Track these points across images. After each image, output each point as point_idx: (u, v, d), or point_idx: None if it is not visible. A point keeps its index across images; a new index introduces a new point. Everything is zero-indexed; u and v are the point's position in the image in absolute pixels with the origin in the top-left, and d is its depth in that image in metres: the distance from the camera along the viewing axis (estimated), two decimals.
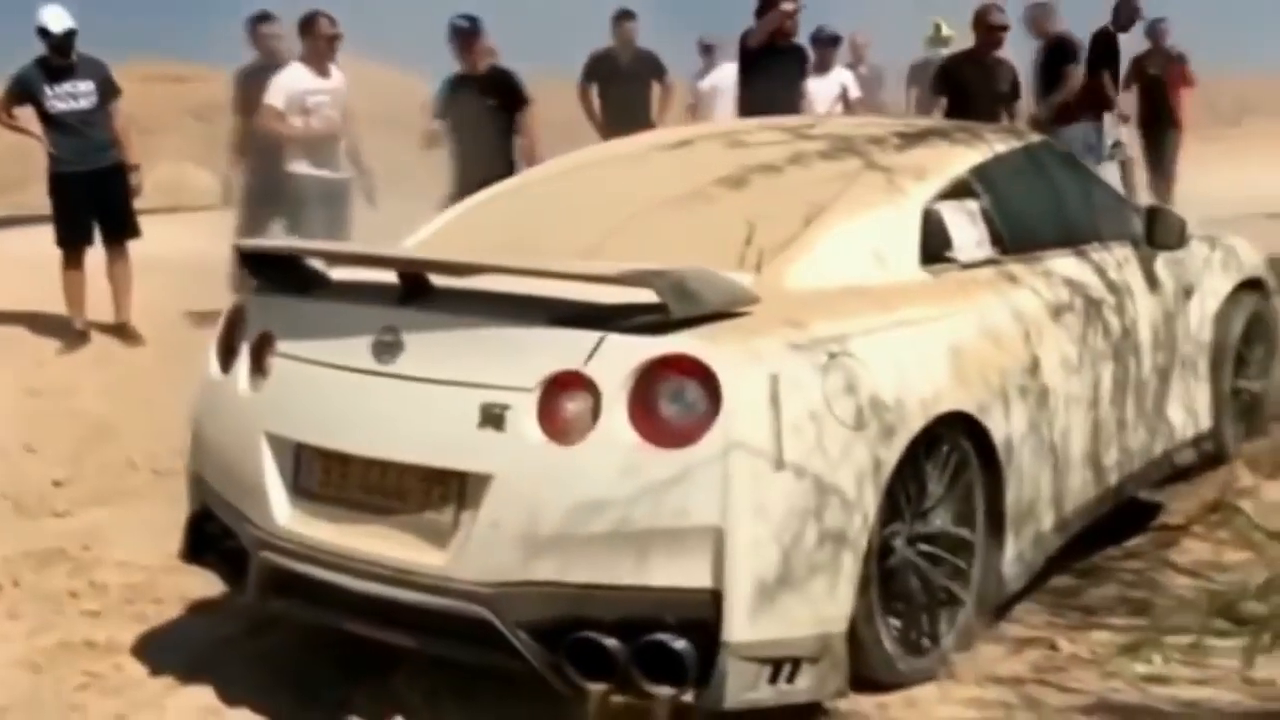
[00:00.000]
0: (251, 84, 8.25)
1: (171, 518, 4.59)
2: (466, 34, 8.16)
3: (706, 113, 10.12)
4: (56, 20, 7.70)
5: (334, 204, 7.99)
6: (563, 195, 4.39)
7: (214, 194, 8.31)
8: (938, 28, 10.57)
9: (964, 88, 8.52)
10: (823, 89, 9.76)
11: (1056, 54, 9.54)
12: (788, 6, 8.24)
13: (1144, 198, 9.74)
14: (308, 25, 8.02)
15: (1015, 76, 8.99)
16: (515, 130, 8.19)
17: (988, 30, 8.61)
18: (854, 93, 9.85)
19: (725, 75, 10.24)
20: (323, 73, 7.99)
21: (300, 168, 7.93)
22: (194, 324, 8.06)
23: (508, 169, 7.74)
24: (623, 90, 9.47)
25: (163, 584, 4.68)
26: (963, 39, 9.68)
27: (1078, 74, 9.51)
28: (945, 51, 10.48)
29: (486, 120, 8.04)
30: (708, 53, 10.76)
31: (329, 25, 8.05)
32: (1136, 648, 3.73)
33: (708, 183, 4.04)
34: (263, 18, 8.36)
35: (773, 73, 8.28)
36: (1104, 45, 10.12)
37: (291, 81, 7.95)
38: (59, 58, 7.75)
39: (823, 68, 9.83)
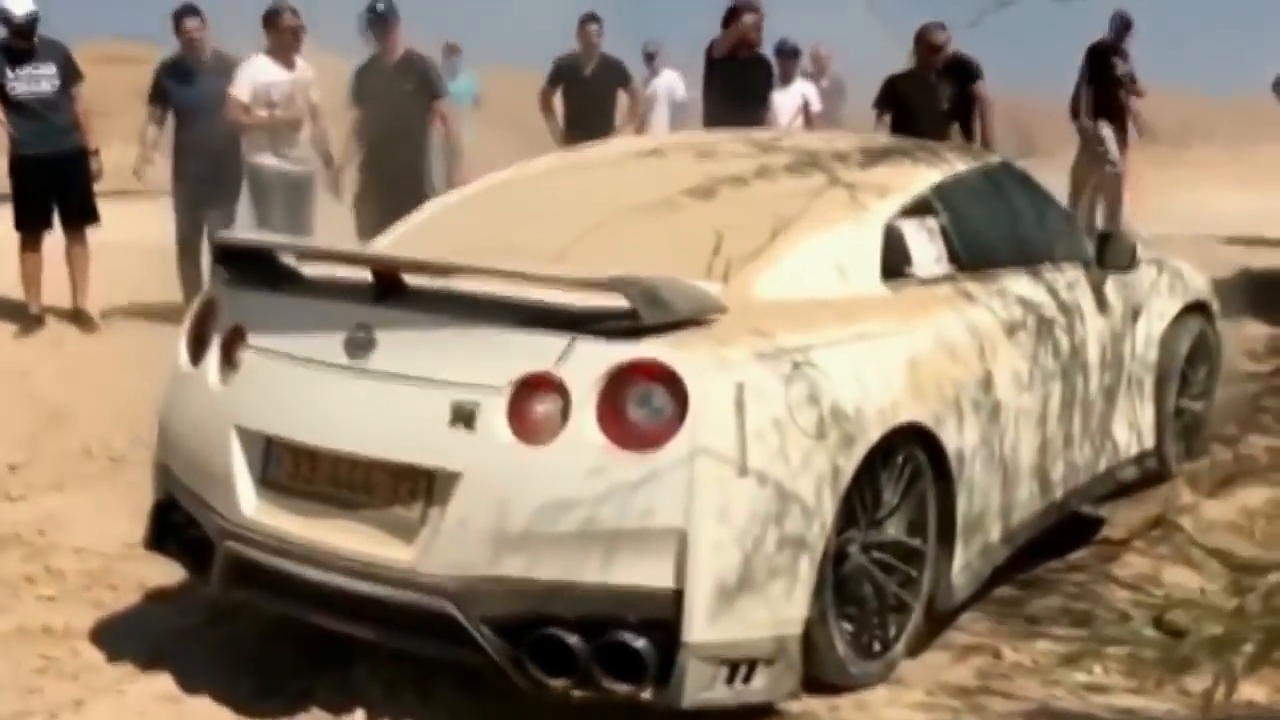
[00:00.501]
0: (165, 76, 8.19)
1: (128, 504, 4.64)
2: (384, 19, 7.99)
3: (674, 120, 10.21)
4: (19, 4, 7.68)
5: (297, 196, 7.99)
6: (536, 198, 4.45)
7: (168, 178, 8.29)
8: None
9: (907, 105, 8.72)
10: (785, 101, 9.87)
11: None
12: (749, 18, 8.33)
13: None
14: (272, 18, 8.01)
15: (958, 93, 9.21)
16: (431, 118, 8.09)
17: (928, 49, 8.78)
18: (815, 105, 9.96)
19: (664, 83, 10.36)
20: (287, 65, 7.99)
21: (263, 159, 7.92)
22: (149, 311, 8.09)
23: (420, 158, 7.92)
24: (586, 96, 9.36)
25: (120, 571, 4.69)
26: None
27: None
28: None
29: (401, 107, 7.89)
30: (650, 60, 10.82)
31: (292, 18, 8.04)
32: (1077, 657, 3.85)
33: (678, 192, 4.11)
34: (187, 11, 8.17)
35: (737, 83, 8.35)
36: (1100, 58, 10.50)
37: (256, 73, 7.94)
38: (21, 41, 7.72)
39: (785, 79, 9.93)
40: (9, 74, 7.71)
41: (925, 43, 8.77)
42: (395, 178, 7.66)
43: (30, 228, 7.75)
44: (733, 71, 8.42)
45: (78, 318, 7.85)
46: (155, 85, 8.14)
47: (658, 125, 10.05)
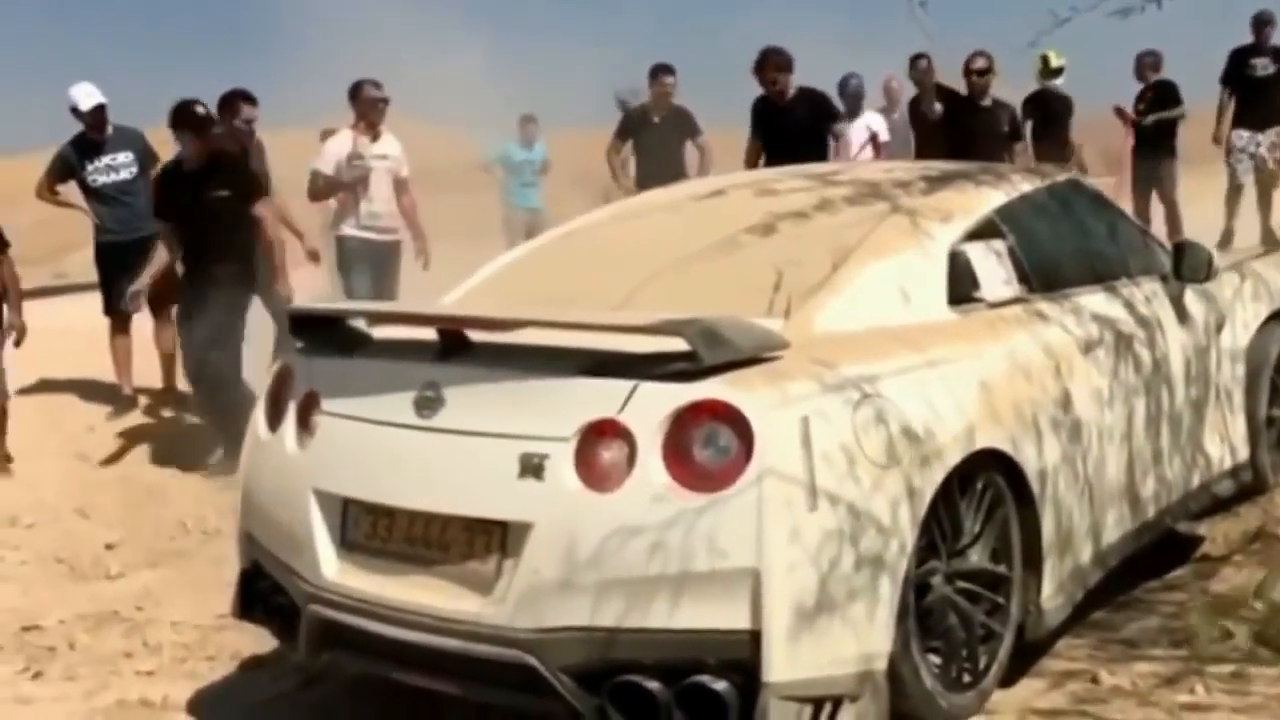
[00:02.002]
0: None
1: (222, 576, 4.71)
2: (199, 121, 7.15)
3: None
4: (87, 97, 7.93)
5: (382, 265, 8.14)
6: (596, 248, 4.48)
7: None
8: (1045, 60, 10.58)
9: (962, 132, 8.88)
10: (852, 135, 9.82)
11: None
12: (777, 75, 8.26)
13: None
14: (355, 91, 8.20)
15: (1014, 118, 9.51)
16: (253, 225, 7.10)
17: (969, 75, 9.21)
18: (883, 136, 9.90)
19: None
20: (372, 137, 8.14)
21: (346, 229, 8.09)
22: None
23: (244, 275, 7.04)
24: (655, 149, 9.23)
25: (215, 641, 4.78)
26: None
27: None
28: (1059, 82, 10.54)
29: (211, 215, 6.99)
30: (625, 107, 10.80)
31: (374, 89, 8.21)
32: (1178, 678, 3.75)
33: (738, 231, 4.12)
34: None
35: (787, 126, 8.23)
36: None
37: (340, 148, 8.12)
38: (94, 133, 7.96)
39: (851, 115, 9.91)
40: (87, 167, 7.95)
41: (967, 69, 9.18)
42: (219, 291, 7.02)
43: (118, 312, 7.95)
44: (778, 116, 8.32)
45: (168, 396, 8.02)
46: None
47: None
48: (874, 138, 9.79)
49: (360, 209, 8.08)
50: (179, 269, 7.39)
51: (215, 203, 7.01)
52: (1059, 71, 10.67)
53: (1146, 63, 11.05)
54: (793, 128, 8.14)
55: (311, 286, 7.93)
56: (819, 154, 7.99)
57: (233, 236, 7.04)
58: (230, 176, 7.13)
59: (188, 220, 7.08)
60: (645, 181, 8.62)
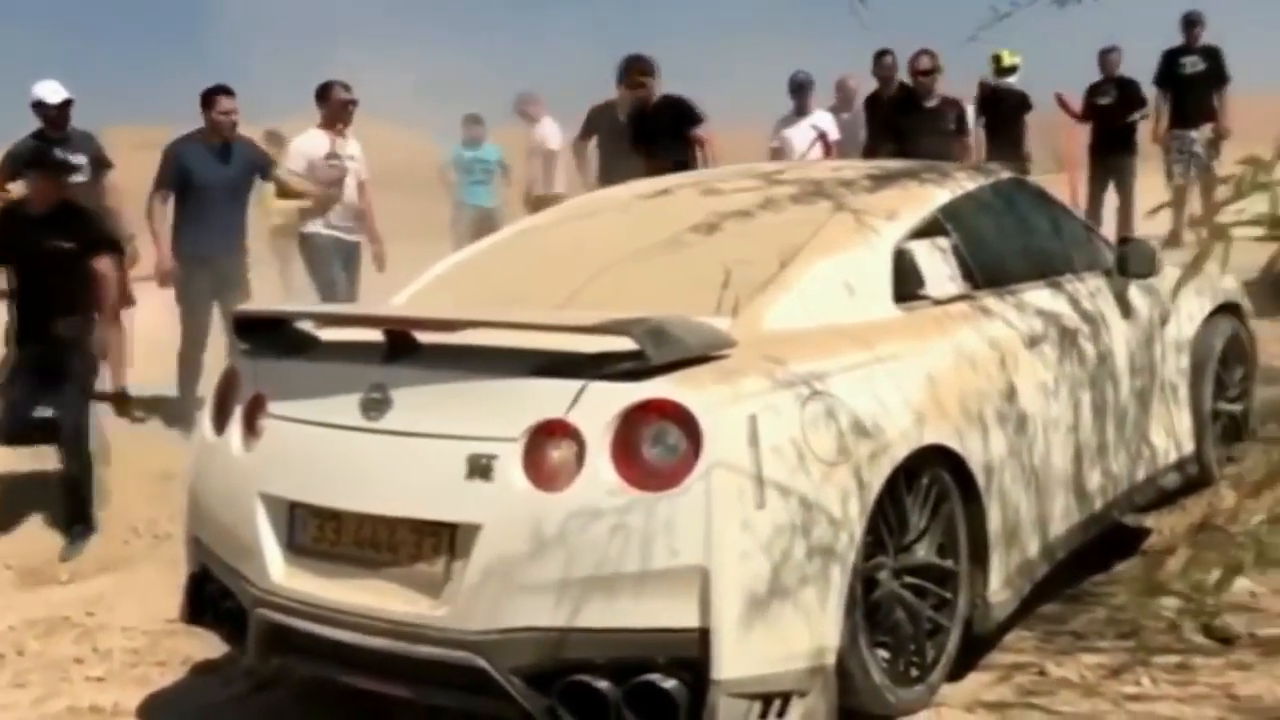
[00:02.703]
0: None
1: (173, 581, 4.67)
2: (53, 165, 6.79)
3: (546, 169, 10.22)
4: (54, 93, 7.83)
5: (349, 263, 8.17)
6: (545, 248, 4.49)
7: None
8: (998, 58, 10.64)
9: (908, 131, 9.03)
10: (796, 134, 9.83)
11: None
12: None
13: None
14: (324, 92, 8.18)
15: (961, 116, 9.59)
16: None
17: (915, 75, 9.34)
18: (832, 135, 9.89)
19: (551, 134, 10.42)
20: (339, 137, 8.13)
21: (316, 227, 8.08)
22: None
23: (83, 330, 6.46)
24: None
25: (165, 646, 4.76)
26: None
27: None
28: (1012, 80, 10.61)
29: (55, 267, 6.36)
30: (528, 116, 10.88)
31: (344, 91, 8.20)
32: (1124, 670, 3.80)
33: (685, 230, 4.14)
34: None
35: (650, 132, 8.23)
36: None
37: (310, 147, 8.12)
38: (55, 130, 7.86)
39: (799, 112, 9.93)
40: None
41: (912, 68, 9.29)
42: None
43: None
44: (643, 121, 8.32)
45: (117, 401, 7.93)
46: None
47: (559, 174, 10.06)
48: (823, 136, 9.79)
49: (332, 208, 8.08)
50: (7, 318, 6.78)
51: (56, 252, 6.34)
52: (1012, 70, 10.76)
53: (1112, 58, 11.16)
54: (657, 133, 8.18)
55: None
56: (682, 157, 7.96)
57: (72, 289, 6.39)
58: (77, 226, 6.48)
59: (24, 266, 6.47)
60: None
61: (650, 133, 8.20)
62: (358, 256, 8.31)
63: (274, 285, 12.14)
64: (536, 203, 10.20)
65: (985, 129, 10.47)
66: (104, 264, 6.49)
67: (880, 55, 9.93)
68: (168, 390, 7.75)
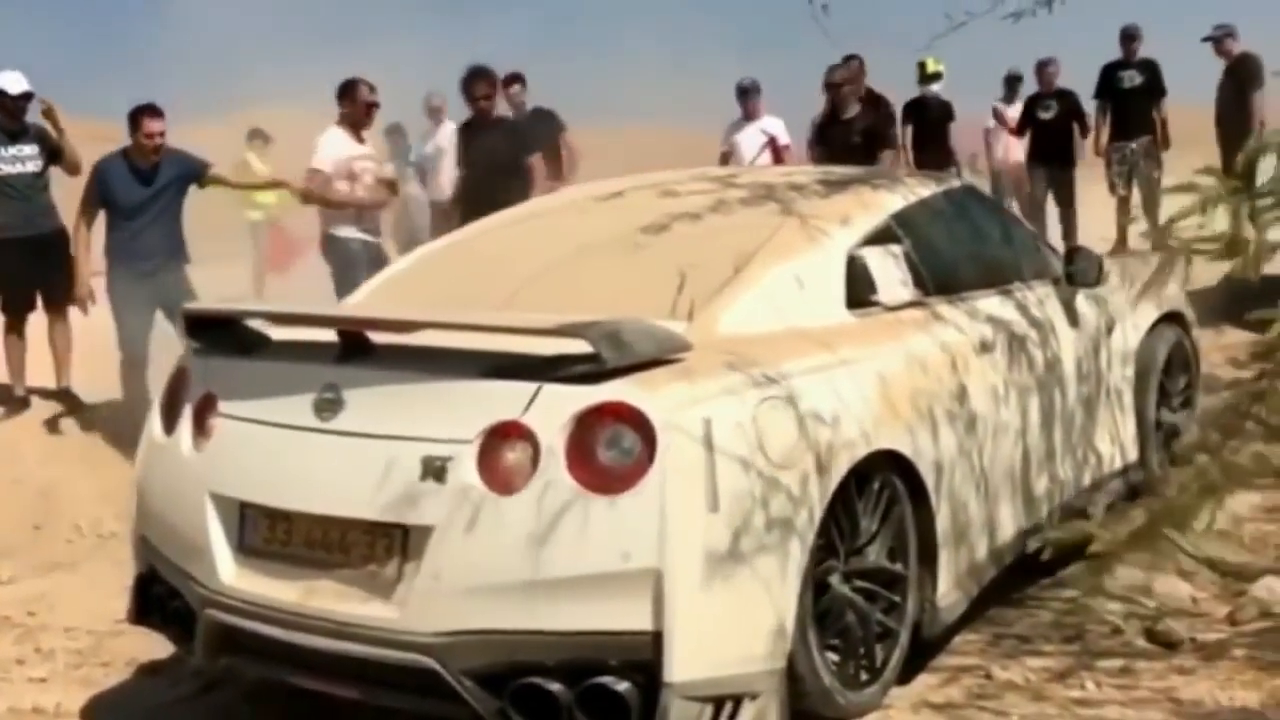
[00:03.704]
0: None
1: (118, 581, 4.63)
2: None
3: (431, 175, 10.05)
4: (15, 83, 7.70)
5: (376, 267, 7.93)
6: (498, 249, 4.47)
7: None
8: (923, 65, 10.72)
9: (827, 143, 9.01)
10: (745, 140, 9.82)
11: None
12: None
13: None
14: (349, 90, 7.94)
15: (870, 128, 9.32)
16: None
17: (825, 89, 9.16)
18: (782, 140, 9.90)
19: (447, 135, 10.00)
20: (360, 139, 7.97)
21: (347, 231, 7.83)
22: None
23: None
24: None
25: (110, 647, 4.71)
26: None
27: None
28: (937, 88, 10.68)
29: None
30: (435, 114, 10.53)
31: (368, 92, 7.97)
32: (1069, 673, 3.85)
33: (639, 233, 4.15)
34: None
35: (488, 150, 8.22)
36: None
37: (336, 147, 7.85)
38: (11, 121, 7.75)
39: (747, 117, 9.94)
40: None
41: (824, 83, 9.09)
42: None
43: (14, 311, 7.75)
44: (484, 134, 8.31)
45: (63, 398, 7.85)
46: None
47: (444, 179, 9.59)
48: (772, 141, 9.80)
49: (358, 210, 7.85)
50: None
51: None
52: (936, 77, 10.90)
53: (1050, 71, 11.30)
54: (497, 147, 8.18)
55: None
56: (519, 175, 7.99)
57: None
58: None
59: None
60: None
61: (490, 147, 8.17)
62: (384, 259, 7.88)
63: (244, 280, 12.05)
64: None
65: (911, 137, 10.59)
66: None
67: (847, 60, 9.78)
68: (113, 393, 7.65)
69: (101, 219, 7.59)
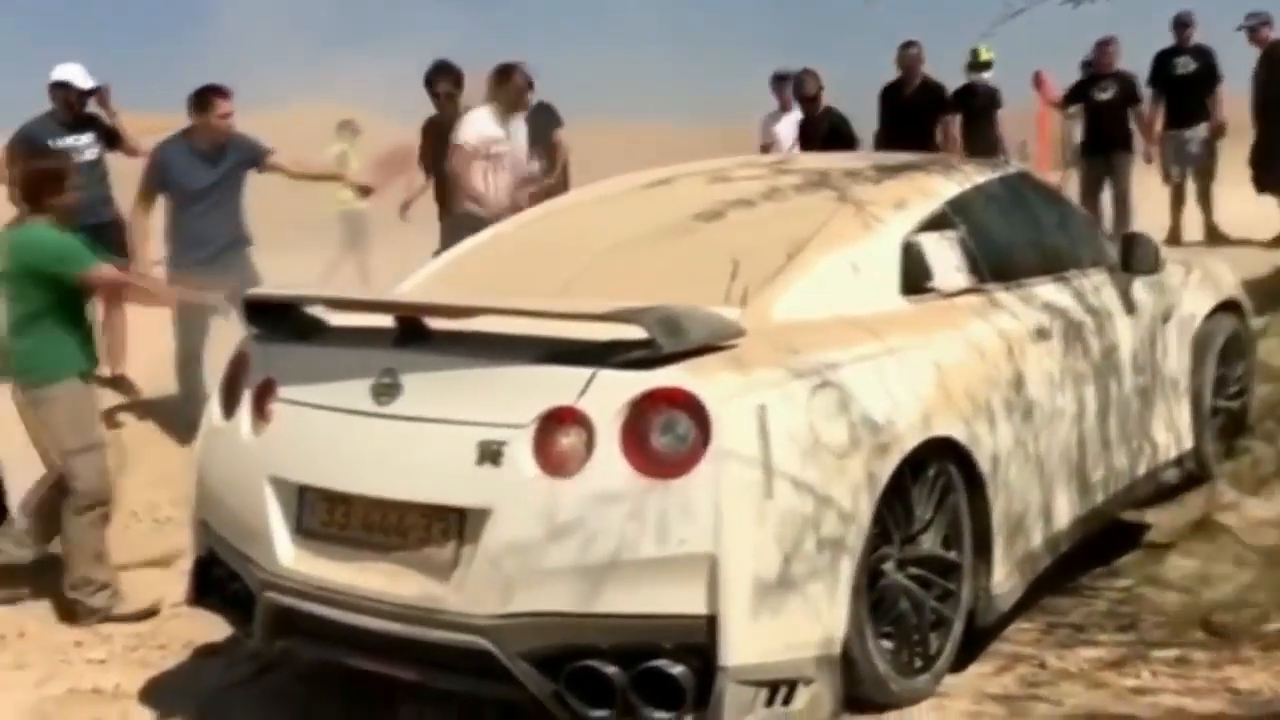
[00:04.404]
0: None
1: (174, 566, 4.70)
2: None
3: None
4: (84, 78, 7.78)
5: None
6: (551, 238, 4.49)
7: None
8: (975, 53, 10.65)
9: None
10: (783, 129, 9.82)
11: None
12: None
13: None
14: (505, 75, 7.87)
15: (830, 126, 9.42)
16: None
17: (799, 100, 9.62)
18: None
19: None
20: (508, 122, 7.90)
21: (473, 208, 7.65)
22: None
23: None
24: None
25: (167, 630, 4.77)
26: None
27: None
28: (987, 76, 10.63)
29: None
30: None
31: (523, 77, 7.95)
32: (1124, 662, 3.82)
33: (692, 220, 4.15)
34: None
35: None
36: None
37: (479, 126, 7.79)
38: (68, 113, 7.83)
39: (784, 108, 9.93)
40: (51, 144, 7.79)
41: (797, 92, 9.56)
42: None
43: None
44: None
45: (118, 385, 7.92)
46: None
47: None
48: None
49: (488, 189, 7.71)
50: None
51: None
52: (988, 65, 10.79)
53: (1110, 50, 11.14)
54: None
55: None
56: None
57: None
58: None
59: None
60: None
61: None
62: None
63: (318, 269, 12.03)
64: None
65: (960, 125, 10.53)
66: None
67: (905, 46, 10.01)
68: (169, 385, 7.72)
69: (158, 208, 7.65)
